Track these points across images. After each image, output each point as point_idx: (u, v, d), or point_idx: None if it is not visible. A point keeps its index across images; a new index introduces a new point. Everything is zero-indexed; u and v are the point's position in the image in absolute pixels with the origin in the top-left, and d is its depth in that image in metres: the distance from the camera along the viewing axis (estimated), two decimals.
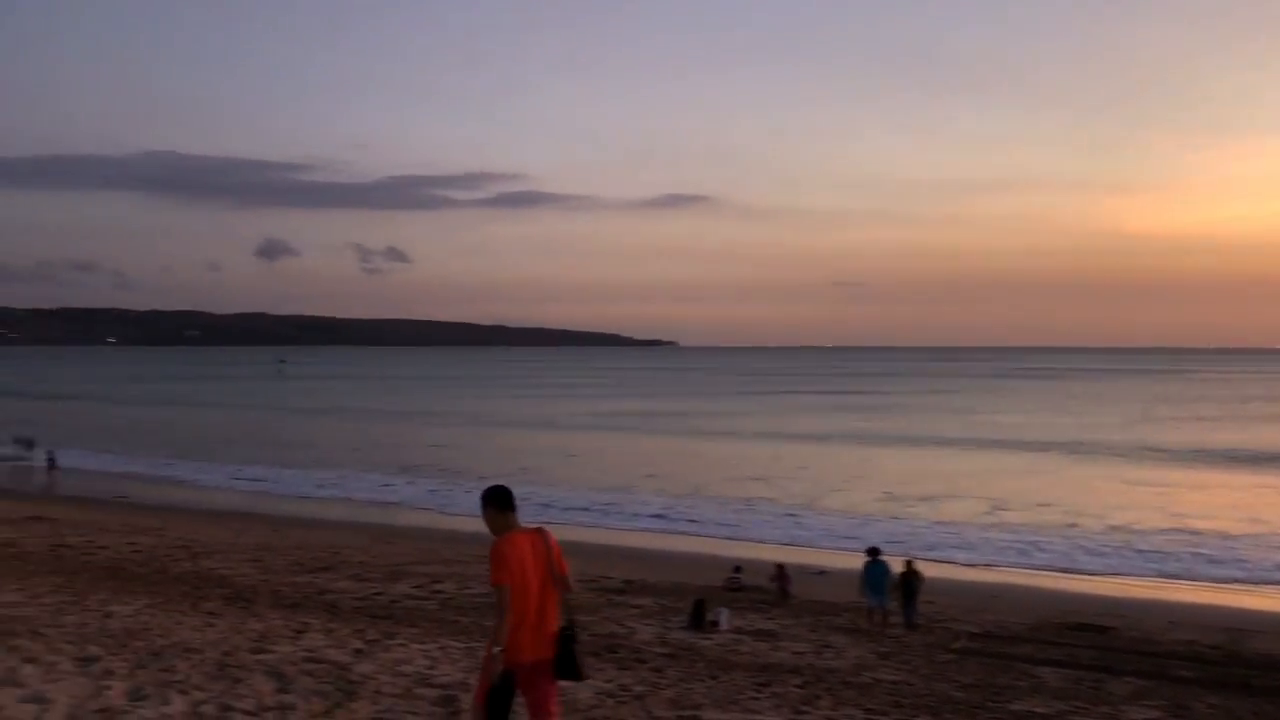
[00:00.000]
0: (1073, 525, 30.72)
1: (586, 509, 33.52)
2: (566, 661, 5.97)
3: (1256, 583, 23.64)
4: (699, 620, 15.30)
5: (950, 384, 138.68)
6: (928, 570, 18.60)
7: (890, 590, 16.89)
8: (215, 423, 71.09)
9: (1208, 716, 11.62)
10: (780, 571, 19.62)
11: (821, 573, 22.36)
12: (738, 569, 20.66)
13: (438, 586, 17.43)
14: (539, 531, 6.03)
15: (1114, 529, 30.03)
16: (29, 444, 46.51)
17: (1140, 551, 26.73)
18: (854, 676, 12.41)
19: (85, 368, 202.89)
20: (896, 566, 17.32)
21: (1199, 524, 30.85)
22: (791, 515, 32.52)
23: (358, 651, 10.55)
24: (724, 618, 15.53)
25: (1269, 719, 11.68)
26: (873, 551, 17.28)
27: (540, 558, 5.91)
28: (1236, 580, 23.87)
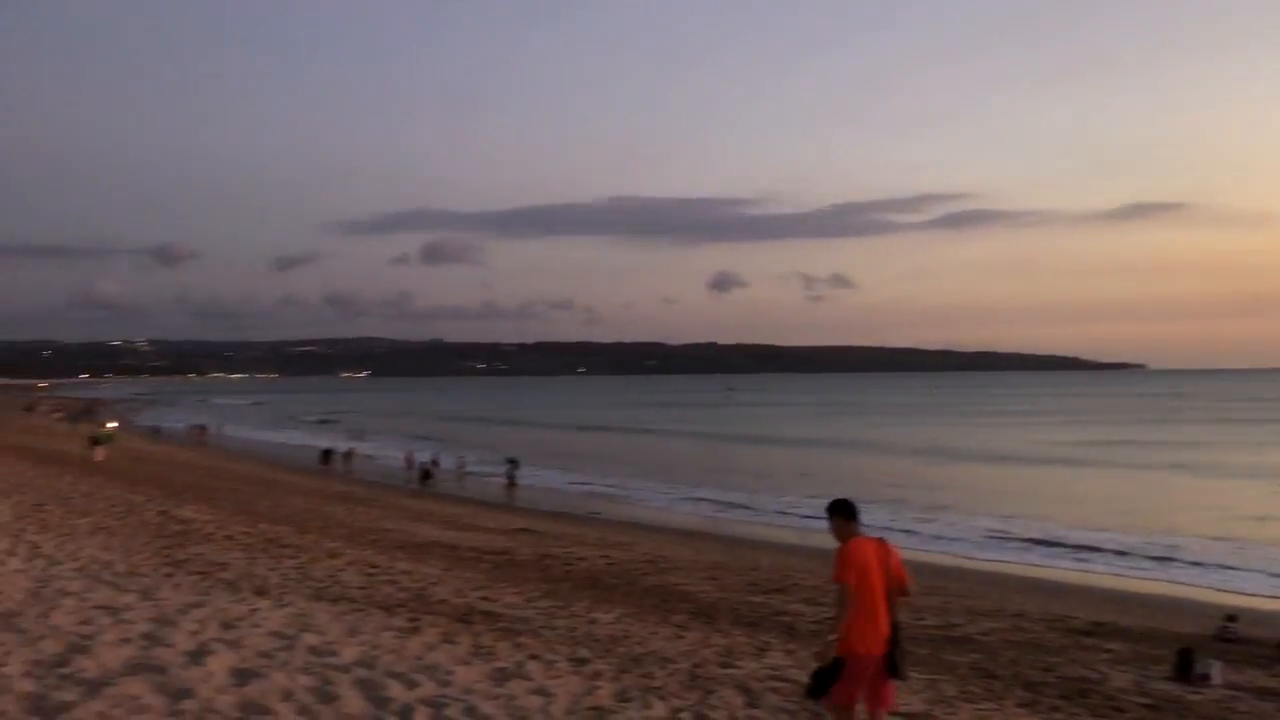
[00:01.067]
0: None
1: (1054, 544, 31.65)
2: (891, 660, 6.77)
3: None
4: (1186, 671, 13.85)
5: None
6: None
7: None
8: (670, 448, 75.58)
9: None
10: None
11: None
12: (1231, 618, 18.44)
13: None
14: (881, 541, 6.93)
15: None
16: (515, 464, 52.44)
17: None
18: None
19: (561, 395, 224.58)
20: None
21: None
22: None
23: None
24: (1216, 671, 13.93)
25: None
26: None
27: (881, 564, 6.75)
28: None
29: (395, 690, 7.82)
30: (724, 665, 10.51)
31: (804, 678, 10.37)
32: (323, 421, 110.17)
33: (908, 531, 34.30)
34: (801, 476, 52.52)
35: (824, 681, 6.79)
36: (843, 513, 6.95)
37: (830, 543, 7.19)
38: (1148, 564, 28.55)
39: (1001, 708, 10.17)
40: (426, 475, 45.80)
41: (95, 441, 43.03)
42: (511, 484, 46.98)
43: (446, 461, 55.07)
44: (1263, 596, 24.03)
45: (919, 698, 10.03)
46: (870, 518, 37.12)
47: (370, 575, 15.87)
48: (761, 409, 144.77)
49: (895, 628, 6.80)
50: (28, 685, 7.07)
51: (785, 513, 39.37)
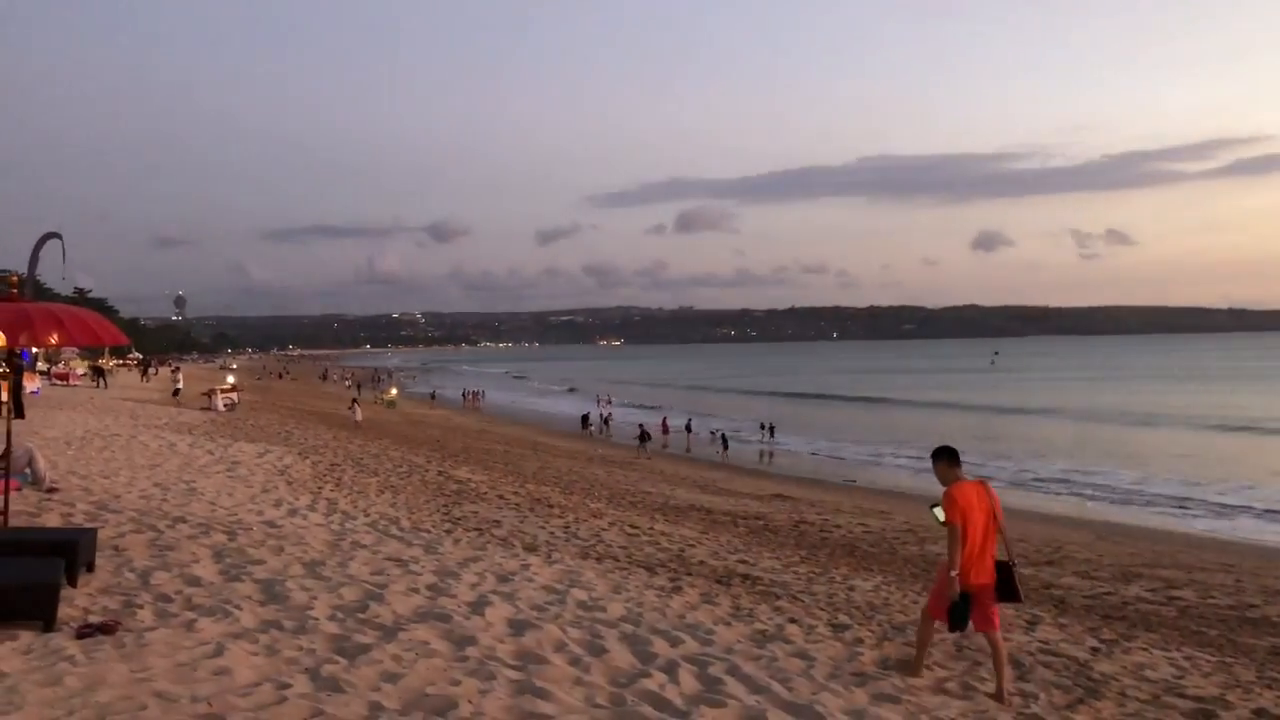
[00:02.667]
0: None
1: None
2: (1007, 587, 7.63)
3: None
4: None
5: None
6: None
7: None
8: (930, 419, 73.46)
9: None
10: None
11: None
12: None
13: (1174, 592, 16.13)
14: (982, 483, 7.67)
15: None
16: (771, 429, 52.66)
17: None
18: None
19: (806, 360, 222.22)
20: None
21: None
22: None
23: (1094, 650, 10.19)
24: None
25: None
26: None
27: (984, 503, 7.49)
28: None
29: (660, 647, 8.04)
30: None
31: (1072, 650, 9.93)
32: (571, 389, 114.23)
33: (1169, 498, 31.94)
34: (1072, 447, 49.84)
35: (959, 615, 7.58)
36: (947, 458, 7.73)
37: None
38: None
39: None
40: (644, 438, 46.16)
41: (354, 403, 47.61)
42: (725, 447, 46.47)
43: (697, 427, 55.88)
44: None
45: (1210, 681, 9.33)
46: (1145, 489, 34.95)
47: (631, 536, 16.37)
48: (1029, 376, 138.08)
49: (1009, 558, 7.65)
50: (332, 628, 7.77)
51: (1062, 480, 37.60)
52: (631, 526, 17.70)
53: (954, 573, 7.45)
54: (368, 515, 14.79)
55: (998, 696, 7.66)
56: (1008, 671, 7.91)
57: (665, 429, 53.28)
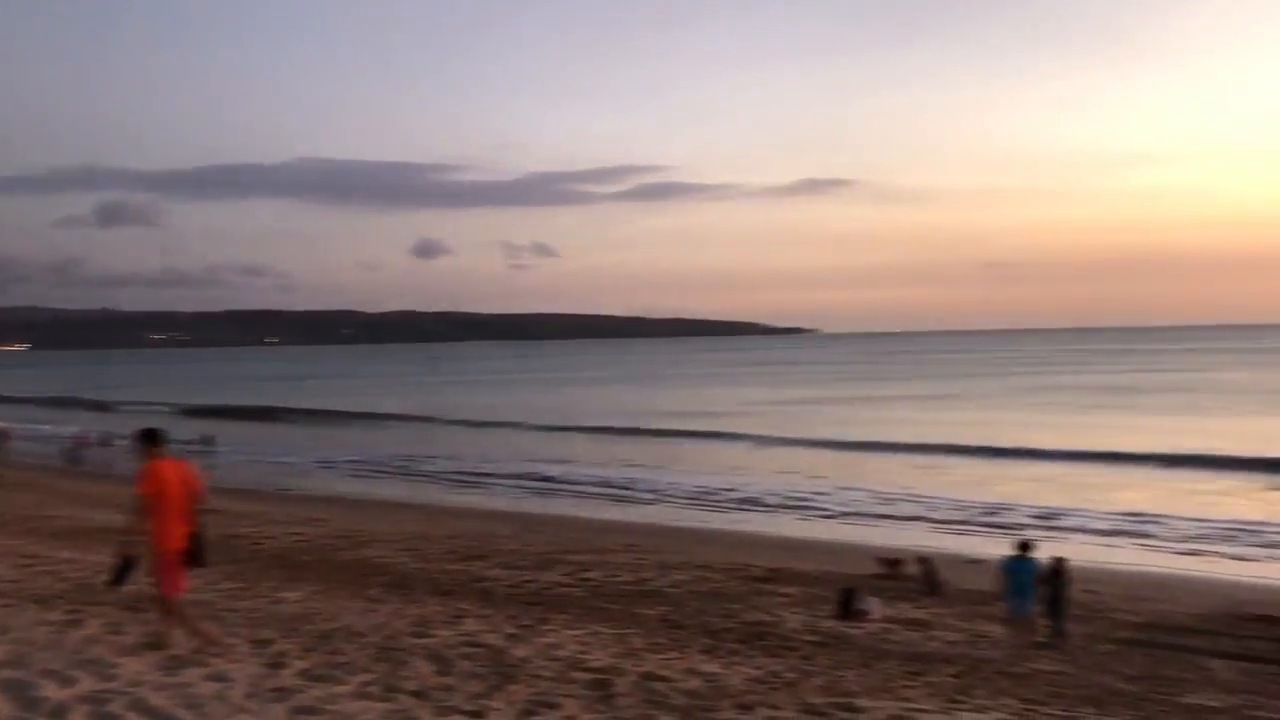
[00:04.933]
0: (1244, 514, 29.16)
1: (703, 492, 33.75)
2: (196, 555, 8.50)
3: None
4: (848, 609, 15.14)
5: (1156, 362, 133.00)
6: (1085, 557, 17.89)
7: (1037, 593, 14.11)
8: (366, 429, 73.71)
9: None
10: (923, 564, 19.02)
11: (976, 561, 21.79)
12: (892, 560, 20.27)
13: (586, 574, 17.72)
14: (181, 461, 8.66)
15: None
16: (210, 440, 49.63)
17: None
18: (1010, 667, 12.11)
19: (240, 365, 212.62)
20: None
21: None
22: (934, 500, 31.86)
23: (512, 636, 10.84)
24: (874, 607, 15.33)
25: None
26: (1023, 546, 14.27)
27: (180, 479, 8.42)
28: None
29: (49, 689, 7.17)
30: (417, 635, 10.40)
31: (492, 639, 10.51)
32: None
33: (585, 486, 35.39)
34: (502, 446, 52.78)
35: (122, 574, 8.55)
36: (147, 440, 8.54)
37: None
38: (816, 514, 30.97)
39: (685, 656, 10.69)
40: (77, 454, 42.87)
41: None
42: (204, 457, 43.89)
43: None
44: (926, 532, 26.65)
45: (607, 652, 10.36)
46: (557, 481, 37.94)
47: (25, 567, 14.44)
48: (463, 382, 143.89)
49: (195, 530, 8.45)
50: None
51: (514, 476, 39.55)
52: (25, 556, 15.61)
53: (124, 539, 8.60)
54: None
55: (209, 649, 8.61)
56: (198, 626, 8.83)
57: (87, 444, 47.72)
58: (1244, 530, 26.46)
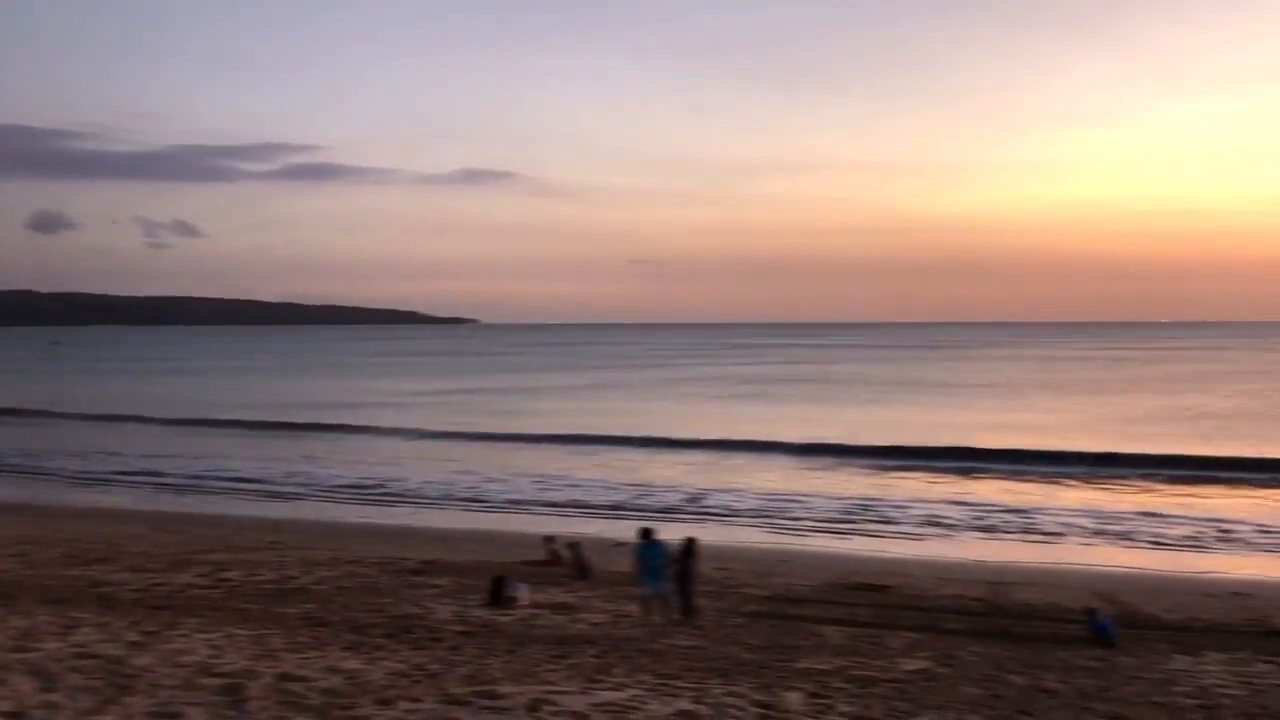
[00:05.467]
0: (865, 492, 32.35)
1: (354, 487, 33.23)
2: None
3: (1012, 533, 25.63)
4: (498, 597, 15.29)
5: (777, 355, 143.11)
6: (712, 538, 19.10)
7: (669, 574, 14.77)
8: None
9: (971, 664, 12.51)
10: (573, 549, 19.55)
11: (620, 545, 22.69)
12: (550, 538, 20.68)
13: (224, 574, 16.76)
14: None
15: (882, 492, 31.83)
16: None
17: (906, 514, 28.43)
18: (648, 644, 12.70)
19: None
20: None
21: (973, 487, 33.13)
22: (589, 486, 32.96)
23: (134, 644, 10.04)
24: (523, 593, 15.57)
25: (1025, 664, 12.68)
26: (646, 533, 14.98)
27: None
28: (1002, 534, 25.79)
29: None
30: (18, 650, 9.39)
31: (110, 648, 9.69)
32: None
33: (232, 482, 33.62)
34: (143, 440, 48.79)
35: None
36: None
37: None
38: (470, 505, 31.08)
39: (327, 653, 10.36)
40: None
41: None
42: None
43: None
44: (572, 518, 27.38)
45: (242, 655, 9.84)
46: (202, 479, 35.75)
47: None
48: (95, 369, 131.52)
49: None
50: None
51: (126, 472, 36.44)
52: None
53: None
54: None
55: None
56: None
57: None
58: (862, 508, 29.35)
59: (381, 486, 33.81)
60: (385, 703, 8.40)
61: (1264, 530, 25.90)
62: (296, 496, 32.24)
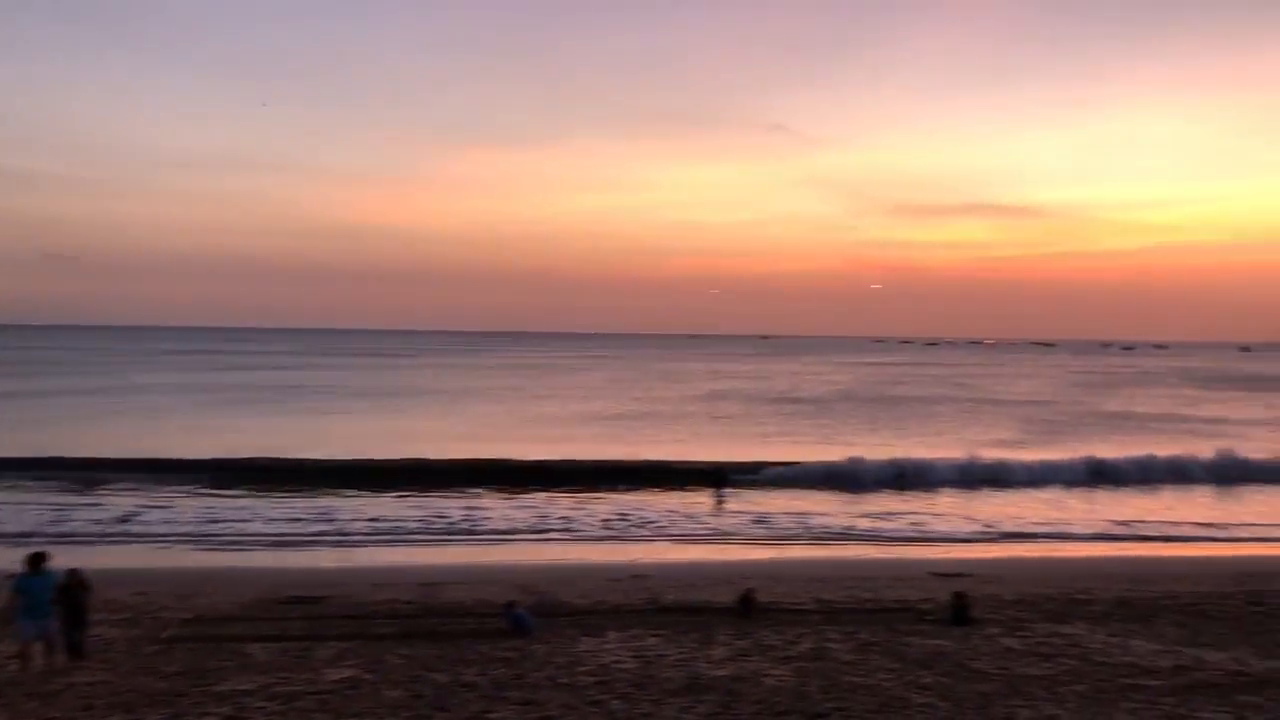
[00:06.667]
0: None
1: None
2: None
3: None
4: None
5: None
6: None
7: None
8: None
9: (397, 666, 12.77)
10: None
11: None
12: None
13: None
14: None
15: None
16: None
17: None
18: (40, 686, 11.36)
19: None
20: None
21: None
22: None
23: None
24: None
25: (448, 660, 13.18)
26: (35, 560, 12.75)
27: None
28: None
29: None
30: None
31: None
32: None
33: None
34: None
35: None
36: None
37: None
38: None
39: None
40: None
41: None
42: None
43: None
44: None
45: None
46: None
47: None
48: None
49: None
50: None
51: None
52: None
53: None
54: None
55: None
56: None
57: None
58: (317, 519, 28.55)
59: None
60: None
61: (653, 523, 29.54)
62: None
